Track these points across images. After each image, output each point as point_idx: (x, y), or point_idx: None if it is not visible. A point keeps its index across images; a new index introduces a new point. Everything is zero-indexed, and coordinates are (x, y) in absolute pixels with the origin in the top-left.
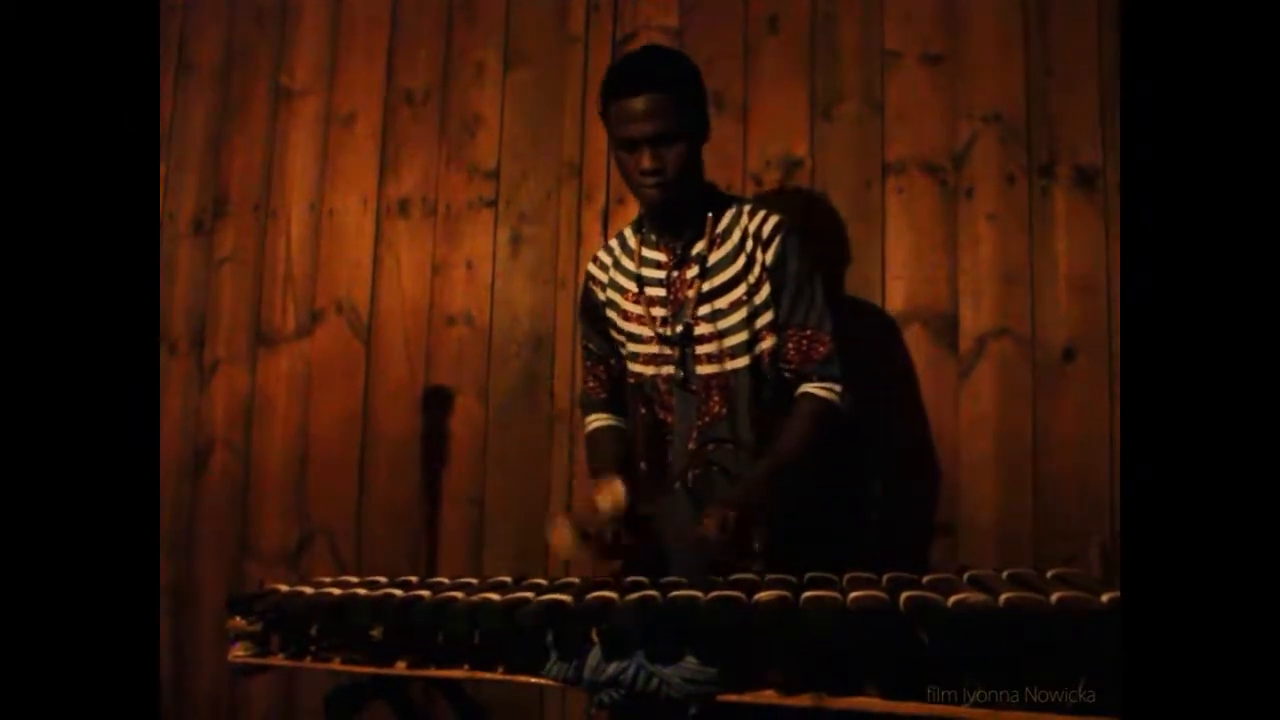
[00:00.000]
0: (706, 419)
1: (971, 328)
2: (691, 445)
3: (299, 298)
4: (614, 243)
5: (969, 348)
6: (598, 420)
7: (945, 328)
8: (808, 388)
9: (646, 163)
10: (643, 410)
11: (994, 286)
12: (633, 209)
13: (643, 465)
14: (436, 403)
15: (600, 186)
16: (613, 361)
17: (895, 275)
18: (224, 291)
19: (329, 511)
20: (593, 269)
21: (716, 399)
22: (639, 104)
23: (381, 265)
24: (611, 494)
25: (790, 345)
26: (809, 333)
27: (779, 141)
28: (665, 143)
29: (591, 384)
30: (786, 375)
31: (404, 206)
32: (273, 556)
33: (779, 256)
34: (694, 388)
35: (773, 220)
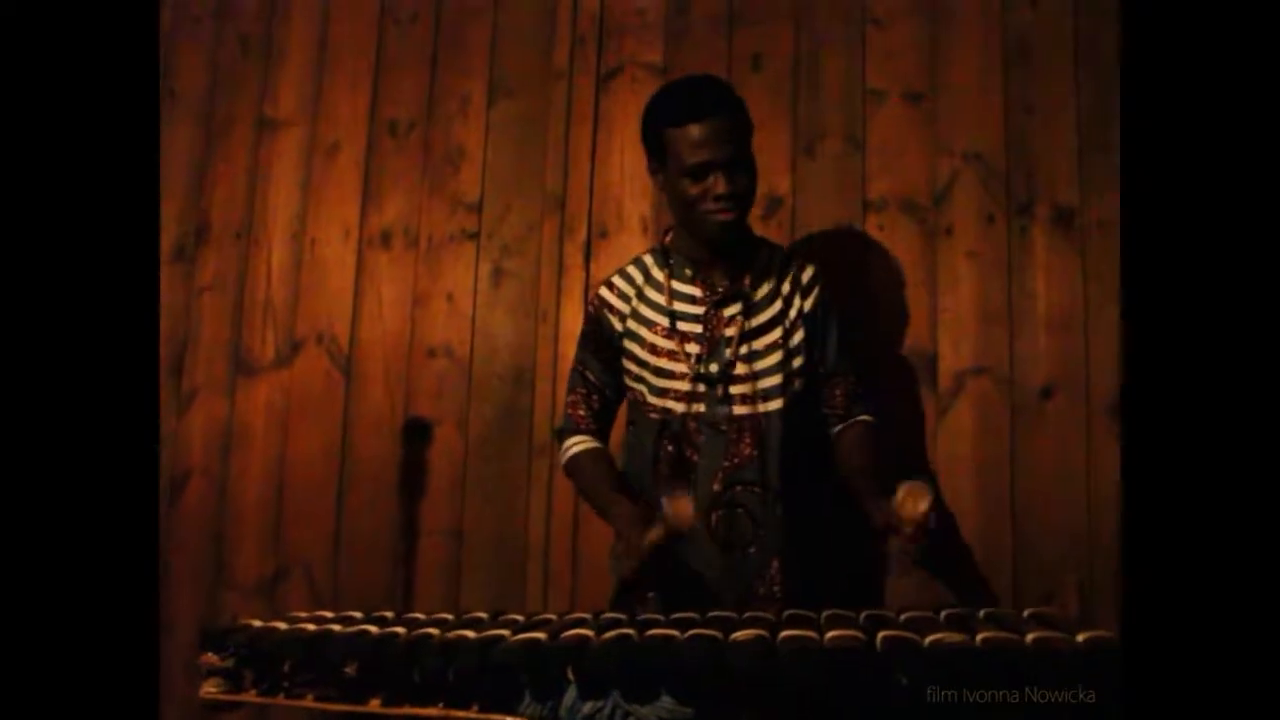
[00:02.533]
0: (735, 460)
1: (950, 366)
2: (717, 486)
3: (279, 327)
4: (633, 270)
5: (948, 386)
6: (581, 443)
7: (924, 366)
8: (861, 417)
9: (722, 187)
10: (669, 447)
11: (973, 325)
12: (616, 242)
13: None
14: (416, 434)
15: (582, 220)
16: (608, 393)
17: (875, 313)
18: (204, 319)
19: (306, 542)
20: (609, 296)
21: (748, 440)
22: (711, 128)
23: (362, 296)
24: (681, 508)
25: (838, 391)
26: (853, 379)
27: (761, 178)
28: (738, 168)
29: (581, 412)
30: (832, 418)
31: (386, 238)
32: (248, 587)
33: (819, 305)
34: (724, 428)
35: (810, 269)
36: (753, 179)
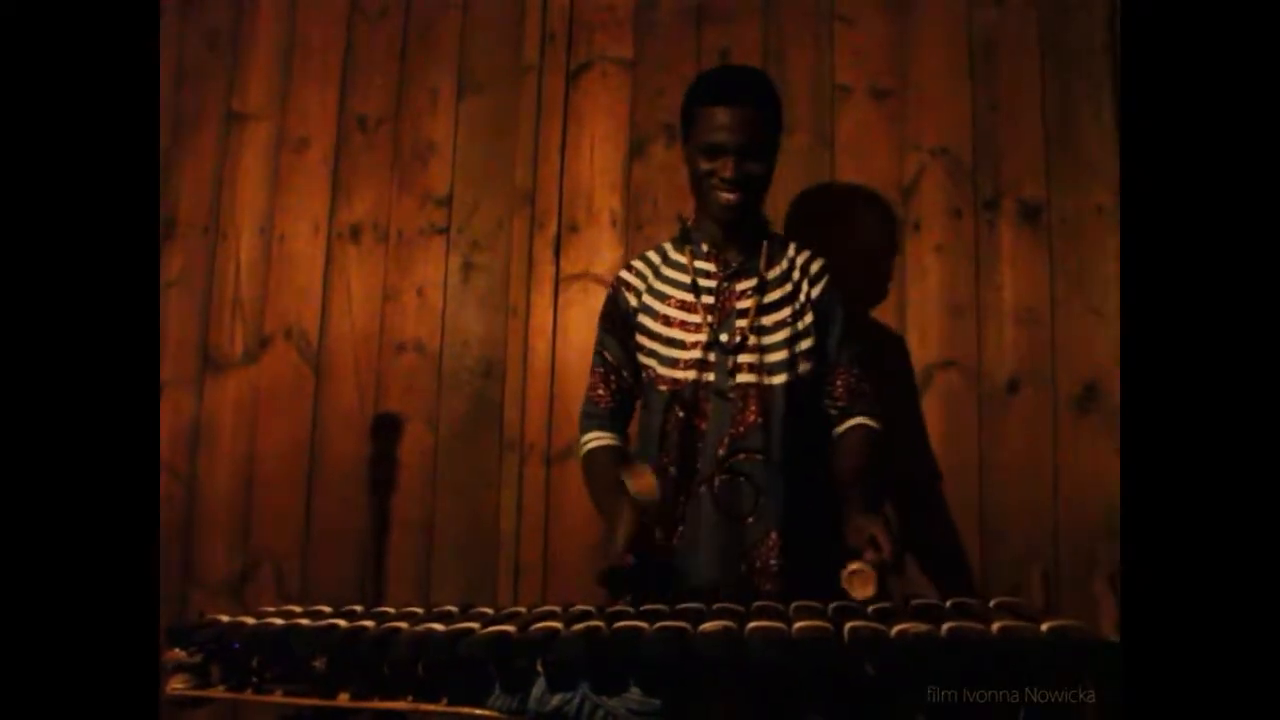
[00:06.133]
0: (740, 428)
1: (918, 359)
2: (722, 451)
3: (248, 322)
4: (652, 254)
5: (916, 378)
6: (597, 439)
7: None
8: (861, 420)
9: (728, 171)
10: (680, 414)
11: (940, 318)
12: (585, 236)
13: (671, 470)
14: (386, 430)
15: (552, 214)
16: (625, 373)
17: None
18: (171, 315)
19: (275, 539)
20: (627, 276)
21: (753, 409)
22: (731, 114)
23: (332, 291)
24: (642, 481)
25: (839, 382)
26: (857, 372)
27: None
28: (749, 156)
29: (600, 392)
30: (833, 411)
31: (355, 232)
32: (217, 584)
33: (826, 294)
34: (731, 396)
35: (820, 260)
36: (765, 170)
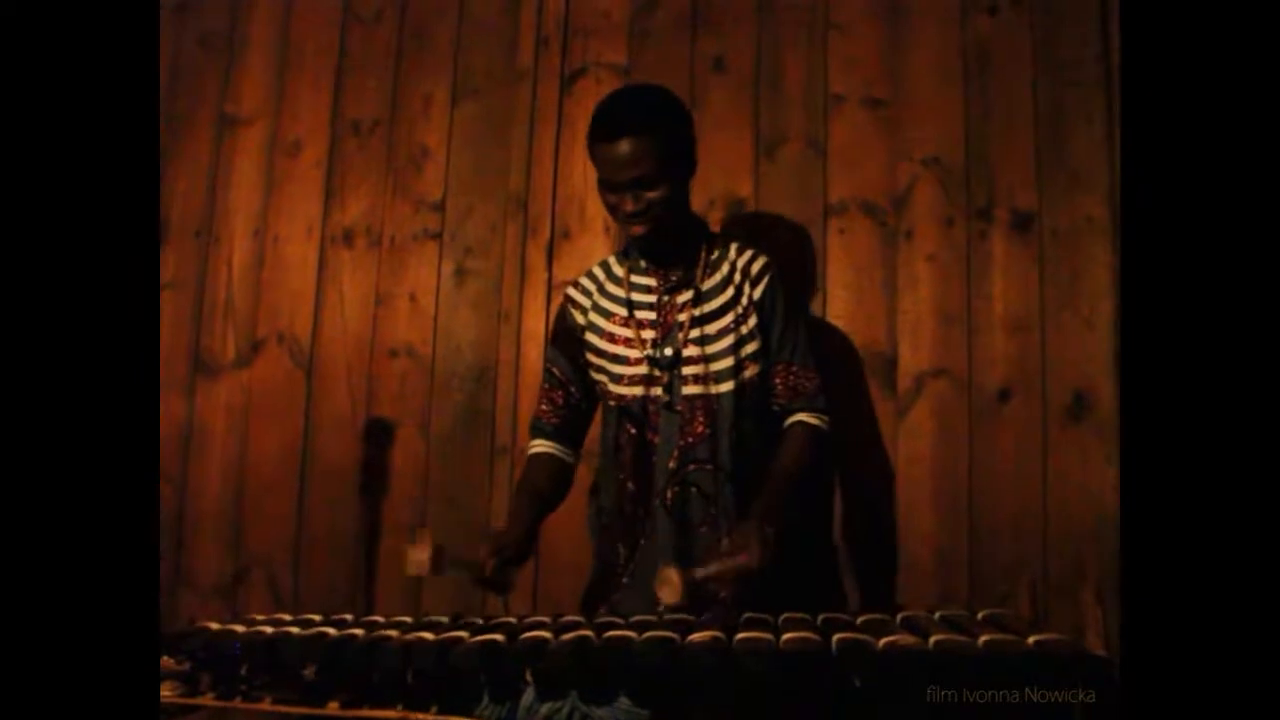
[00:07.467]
0: (689, 439)
1: (910, 367)
2: (672, 464)
3: (240, 326)
4: (597, 270)
5: (907, 387)
6: (539, 446)
7: (884, 367)
8: (799, 416)
9: (629, 206)
10: (631, 430)
11: (932, 327)
12: (578, 243)
13: (630, 485)
14: (377, 434)
15: (545, 220)
16: (573, 389)
17: (835, 315)
18: (163, 318)
19: (266, 543)
20: (574, 294)
21: (700, 420)
22: (621, 148)
23: (324, 295)
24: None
25: (778, 380)
26: (795, 368)
27: (723, 180)
28: (647, 186)
29: (545, 407)
30: (775, 409)
31: (348, 237)
32: (208, 588)
33: (767, 294)
34: (679, 408)
35: (761, 260)
36: (669, 194)
